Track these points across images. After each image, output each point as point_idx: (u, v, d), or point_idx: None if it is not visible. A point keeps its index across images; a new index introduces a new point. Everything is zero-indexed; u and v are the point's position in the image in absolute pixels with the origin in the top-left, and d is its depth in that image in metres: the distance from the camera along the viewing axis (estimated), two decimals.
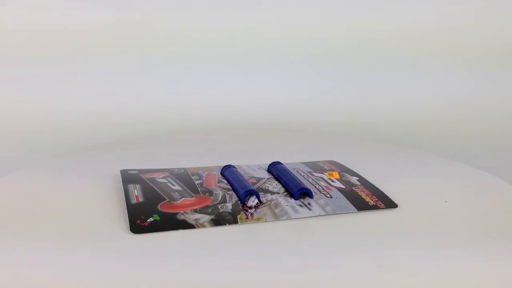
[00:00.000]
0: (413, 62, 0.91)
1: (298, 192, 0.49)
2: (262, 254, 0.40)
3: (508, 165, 0.85)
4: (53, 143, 0.82)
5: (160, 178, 0.53)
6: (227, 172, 0.54)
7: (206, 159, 0.62)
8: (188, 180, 0.53)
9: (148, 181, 0.52)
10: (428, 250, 0.41)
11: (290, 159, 0.62)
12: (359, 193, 0.51)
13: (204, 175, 0.55)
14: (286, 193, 0.51)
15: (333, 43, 0.90)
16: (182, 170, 0.56)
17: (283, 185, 0.52)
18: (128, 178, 0.53)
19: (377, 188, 0.53)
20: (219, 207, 0.47)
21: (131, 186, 0.51)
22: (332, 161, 0.62)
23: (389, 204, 0.50)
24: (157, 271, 0.37)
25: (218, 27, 0.88)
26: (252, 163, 0.60)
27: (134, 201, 0.47)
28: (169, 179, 0.53)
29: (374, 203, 0.49)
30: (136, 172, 0.55)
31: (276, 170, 0.55)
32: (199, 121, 0.87)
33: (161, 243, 0.41)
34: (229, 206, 0.47)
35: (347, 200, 0.50)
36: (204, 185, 0.52)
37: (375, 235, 0.43)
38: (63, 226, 0.43)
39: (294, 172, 0.56)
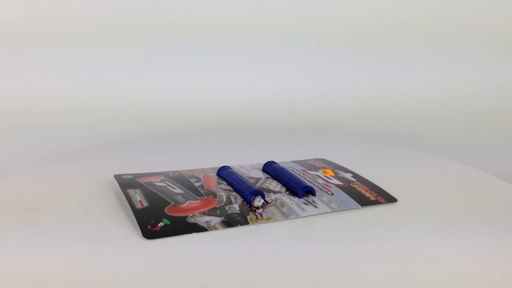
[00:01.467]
0: (398, 57, 0.92)
1: (301, 190, 0.50)
2: (280, 253, 0.40)
3: (478, 151, 0.89)
4: (42, 142, 0.79)
5: (158, 182, 0.52)
6: (225, 173, 0.54)
7: (197, 161, 0.61)
8: (187, 183, 0.52)
9: (147, 186, 0.51)
10: (446, 240, 0.43)
11: (278, 158, 0.62)
12: (357, 189, 0.53)
13: (201, 177, 0.54)
14: (288, 191, 0.51)
15: (321, 39, 0.90)
16: (177, 173, 0.55)
17: (283, 184, 0.52)
18: (124, 183, 0.52)
19: (374, 184, 0.54)
20: (227, 208, 0.47)
21: (131, 191, 0.49)
22: (321, 159, 0.63)
23: (389, 198, 0.51)
24: (184, 275, 0.36)
25: (213, 27, 0.86)
26: (243, 164, 0.60)
27: (138, 206, 0.46)
28: (167, 182, 0.52)
29: (375, 198, 0.51)
30: (131, 176, 0.54)
31: (273, 170, 0.55)
32: (184, 123, 0.86)
33: (178, 247, 0.40)
34: (236, 207, 0.47)
35: (349, 197, 0.50)
36: (205, 187, 0.51)
37: (388, 229, 0.45)
38: (69, 235, 0.42)
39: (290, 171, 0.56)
